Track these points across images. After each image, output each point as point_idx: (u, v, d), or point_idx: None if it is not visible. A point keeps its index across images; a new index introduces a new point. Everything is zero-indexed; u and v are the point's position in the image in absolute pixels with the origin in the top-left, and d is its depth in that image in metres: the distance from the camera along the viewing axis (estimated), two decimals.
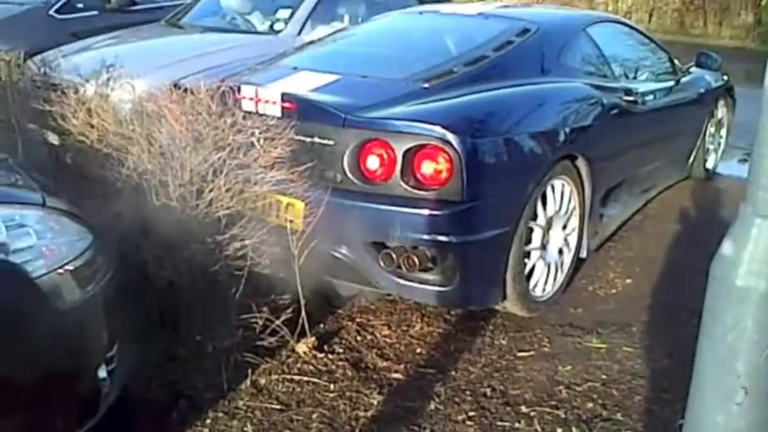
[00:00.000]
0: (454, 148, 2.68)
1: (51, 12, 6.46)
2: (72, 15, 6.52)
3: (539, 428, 2.36)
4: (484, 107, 3.03)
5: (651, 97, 4.13)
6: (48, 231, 1.91)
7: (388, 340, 2.94)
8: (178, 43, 5.28)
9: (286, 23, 5.47)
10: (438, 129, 2.70)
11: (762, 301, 1.39)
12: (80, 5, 6.62)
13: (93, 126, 2.59)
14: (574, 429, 2.35)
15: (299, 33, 5.34)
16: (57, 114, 2.81)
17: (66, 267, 1.88)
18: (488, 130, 2.90)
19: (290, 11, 5.59)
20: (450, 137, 2.69)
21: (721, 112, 5.26)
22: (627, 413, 2.45)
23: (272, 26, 5.60)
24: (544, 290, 3.21)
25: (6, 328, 1.68)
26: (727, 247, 1.47)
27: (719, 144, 5.36)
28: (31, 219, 1.89)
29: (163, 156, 2.40)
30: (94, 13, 6.64)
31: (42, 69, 3.88)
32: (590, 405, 2.50)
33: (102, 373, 2.04)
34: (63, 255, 1.90)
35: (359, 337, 2.96)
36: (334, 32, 4.48)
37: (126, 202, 2.36)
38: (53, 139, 4.10)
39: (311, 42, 4.41)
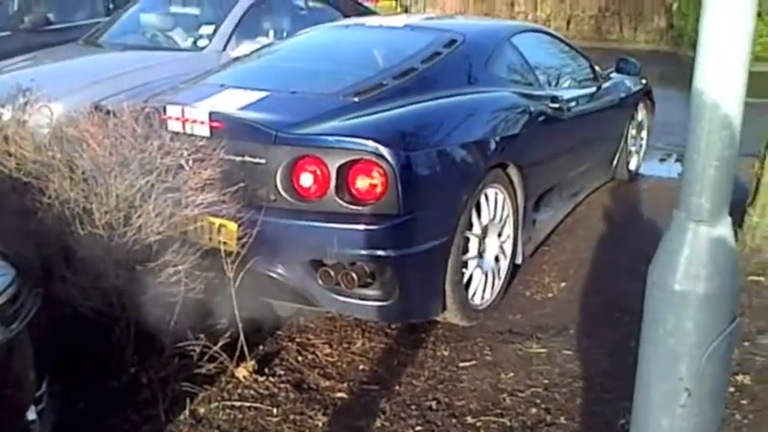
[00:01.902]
0: (388, 162, 2.67)
1: None
2: None
3: None
4: (415, 119, 3.04)
5: (575, 103, 4.23)
6: None
7: (329, 359, 2.90)
8: (97, 63, 5.11)
9: (210, 39, 5.37)
10: (371, 143, 2.69)
11: (700, 304, 1.43)
12: None
13: (10, 154, 2.46)
14: None
15: (224, 49, 5.26)
16: None
17: None
18: (421, 142, 2.90)
19: (213, 27, 5.50)
20: (384, 150, 2.68)
21: (641, 114, 5.43)
22: (570, 416, 2.48)
23: (195, 42, 5.49)
24: (483, 298, 3.24)
25: None
26: (663, 253, 1.50)
27: (641, 146, 5.54)
28: None
29: (86, 182, 2.30)
30: (7, 33, 6.40)
31: None
32: (534, 411, 2.52)
33: (32, 414, 1.94)
34: None
35: (300, 358, 2.91)
36: (261, 48, 4.43)
37: (48, 232, 2.25)
38: None
39: (237, 59, 4.34)
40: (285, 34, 5.71)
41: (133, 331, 2.40)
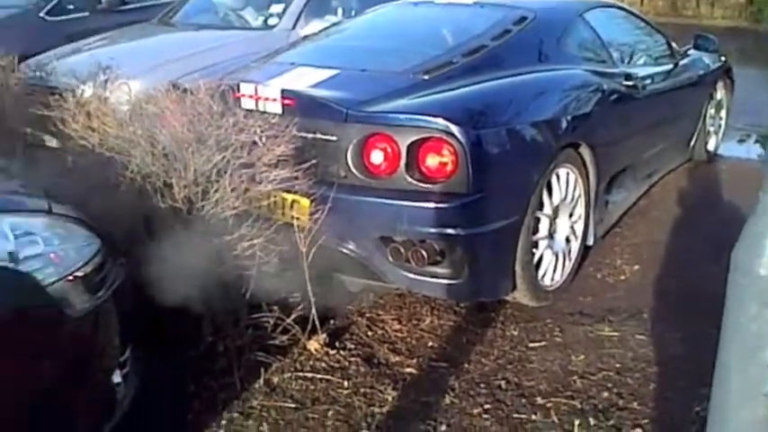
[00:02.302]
0: (458, 140, 2.65)
1: (42, 14, 6.42)
2: (63, 17, 6.48)
3: (555, 420, 2.35)
4: (485, 98, 3.01)
5: (651, 81, 4.10)
6: (55, 238, 1.89)
7: (399, 335, 2.93)
8: (172, 42, 5.24)
9: (280, 18, 5.43)
10: (441, 121, 2.68)
11: None
12: (71, 7, 6.58)
13: (93, 129, 2.55)
14: (591, 420, 2.34)
15: (294, 28, 5.31)
16: (56, 118, 2.77)
17: (76, 274, 1.86)
18: (491, 120, 2.87)
19: (282, 5, 5.56)
20: (454, 128, 2.66)
21: (720, 93, 5.24)
22: (643, 401, 2.44)
23: (265, 21, 5.56)
24: (553, 279, 3.20)
25: (19, 336, 1.66)
26: (747, 237, 1.45)
27: (720, 126, 5.35)
28: (38, 226, 1.87)
29: (166, 157, 2.37)
30: (86, 14, 6.61)
31: (38, 73, 3.84)
32: (605, 394, 2.49)
33: (117, 378, 2.03)
34: (72, 261, 1.88)
35: (370, 333, 2.95)
36: (330, 26, 4.45)
37: (131, 205, 2.34)
38: (52, 143, 4.08)
39: (307, 37, 4.37)
40: (353, 12, 5.73)
41: (210, 302, 2.46)
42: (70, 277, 1.84)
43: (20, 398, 1.65)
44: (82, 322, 1.84)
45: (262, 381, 2.58)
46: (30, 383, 1.68)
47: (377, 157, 2.75)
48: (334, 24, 4.56)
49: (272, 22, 5.48)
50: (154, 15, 6.06)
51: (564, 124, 3.13)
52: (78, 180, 2.38)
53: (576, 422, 2.32)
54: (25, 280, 1.69)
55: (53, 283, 1.77)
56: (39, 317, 1.72)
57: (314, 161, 2.77)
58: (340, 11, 5.84)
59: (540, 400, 2.46)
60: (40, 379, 1.70)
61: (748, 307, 1.39)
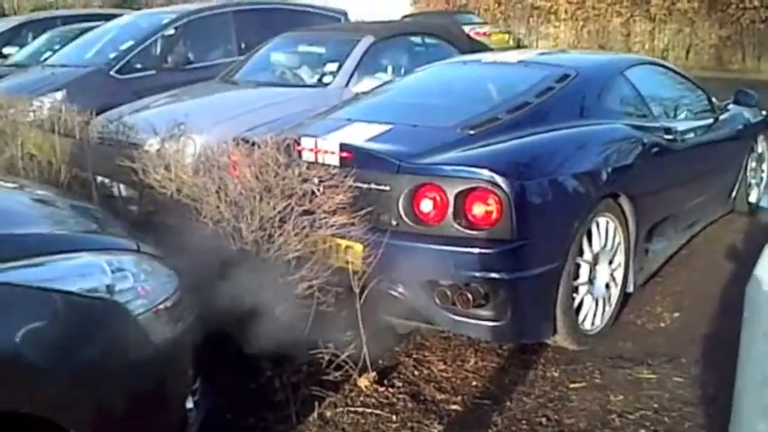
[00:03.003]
0: (503, 190, 2.85)
1: (112, 72, 6.85)
2: (132, 75, 6.88)
3: None
4: (529, 150, 3.21)
5: (690, 135, 4.26)
6: (142, 274, 2.13)
7: (444, 374, 3.09)
8: (234, 98, 5.61)
9: (334, 76, 5.76)
10: (487, 172, 2.89)
11: None
12: (138, 66, 7.01)
13: (171, 180, 2.84)
14: None
15: (347, 85, 5.62)
16: (138, 169, 3.07)
17: (159, 307, 2.10)
18: (534, 171, 3.07)
19: (337, 64, 5.89)
20: (499, 179, 2.87)
21: (762, 146, 5.35)
22: None
23: (320, 79, 5.90)
24: (593, 323, 3.33)
25: (115, 360, 1.89)
26: (764, 258, 1.61)
27: (762, 178, 5.43)
28: (129, 263, 2.11)
29: (236, 204, 2.63)
30: (152, 72, 7.01)
31: (111, 128, 4.17)
32: None
33: (190, 403, 2.24)
34: (156, 295, 2.11)
35: (416, 372, 3.12)
36: (382, 84, 4.74)
37: (205, 247, 2.59)
38: (121, 191, 4.42)
39: (360, 94, 4.67)
40: (403, 71, 6.04)
41: (272, 338, 2.68)
42: (154, 310, 2.08)
43: (115, 412, 1.87)
44: (164, 350, 2.06)
45: (316, 414, 2.77)
46: (122, 401, 1.90)
47: (426, 205, 2.97)
48: (386, 82, 4.84)
49: (326, 80, 5.80)
50: (216, 73, 6.45)
51: (603, 175, 3.31)
52: (158, 223, 2.64)
53: None
54: (120, 310, 1.93)
55: (141, 313, 2.01)
56: (131, 343, 1.95)
57: (368, 209, 3.01)
58: (390, 69, 6.16)
59: None
60: (132, 398, 1.93)
61: (764, 322, 1.53)
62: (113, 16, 8.84)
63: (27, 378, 1.71)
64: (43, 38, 9.61)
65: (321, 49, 6.47)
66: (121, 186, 4.44)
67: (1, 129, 4.64)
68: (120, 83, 6.73)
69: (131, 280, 2.07)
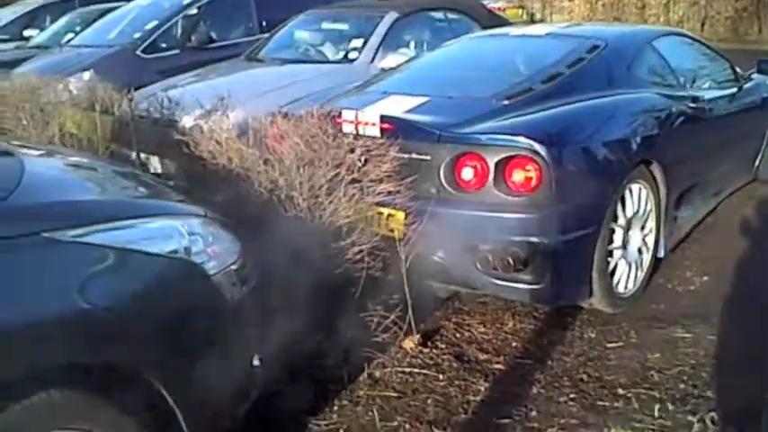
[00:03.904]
0: (542, 157, 2.96)
1: (138, 52, 6.95)
2: (157, 55, 6.99)
3: (636, 406, 2.61)
4: (564, 119, 3.31)
5: (716, 104, 4.33)
6: (210, 237, 2.25)
7: (484, 336, 3.22)
8: (264, 75, 5.70)
9: (359, 52, 5.83)
10: (526, 140, 2.99)
11: None
12: (163, 45, 7.11)
13: (222, 152, 2.95)
14: (669, 406, 2.59)
15: (373, 61, 5.70)
16: (188, 142, 3.19)
17: (228, 269, 2.22)
18: (570, 139, 3.17)
19: (362, 40, 5.97)
20: (538, 147, 2.97)
21: None
22: (717, 391, 2.67)
23: (346, 55, 5.98)
24: (626, 287, 3.45)
25: (195, 318, 2.02)
26: None
27: None
28: (198, 227, 2.23)
29: (289, 173, 2.74)
30: (176, 51, 7.10)
31: (157, 104, 4.27)
32: (682, 386, 2.73)
33: (256, 361, 2.37)
34: (224, 258, 2.23)
35: (458, 335, 3.24)
36: (411, 59, 4.82)
37: (259, 214, 2.71)
38: (159, 166, 4.56)
39: (389, 69, 4.76)
40: (426, 46, 6.11)
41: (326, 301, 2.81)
42: (224, 271, 2.20)
43: (194, 366, 2.00)
44: (235, 309, 2.19)
45: (366, 374, 2.91)
46: (201, 356, 2.03)
47: (467, 173, 3.07)
48: (415, 57, 4.93)
49: (352, 56, 5.88)
50: (239, 52, 6.54)
51: (636, 143, 3.41)
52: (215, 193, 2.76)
53: (656, 407, 2.57)
54: (198, 270, 2.06)
55: (214, 274, 2.13)
56: (208, 301, 2.08)
57: (410, 178, 3.12)
58: (413, 44, 6.23)
59: (620, 391, 2.71)
60: (209, 353, 2.06)
61: None
62: None
63: (119, 333, 1.84)
64: (63, 20, 9.70)
65: (345, 26, 6.53)
66: (156, 161, 4.58)
67: (40, 108, 4.76)
68: (146, 62, 6.83)
69: (202, 243, 2.19)
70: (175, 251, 2.03)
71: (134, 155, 4.50)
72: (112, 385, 1.83)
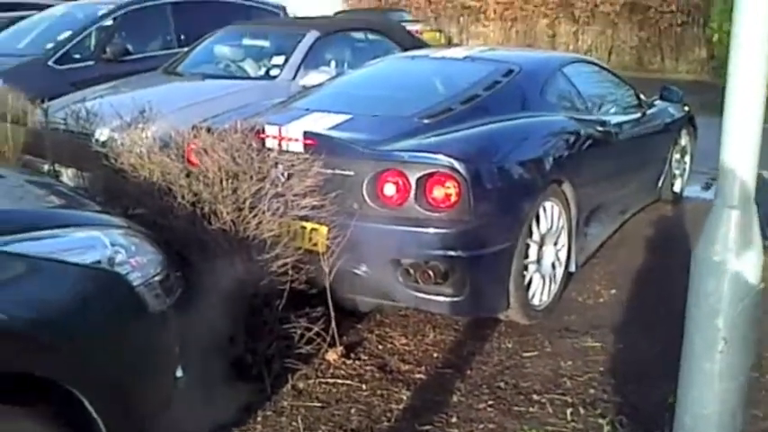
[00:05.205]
0: (461, 174, 3.07)
1: (50, 62, 6.73)
2: (69, 66, 6.77)
3: (550, 411, 2.73)
4: (483, 139, 3.44)
5: (622, 128, 4.59)
6: (133, 247, 2.23)
7: (406, 348, 3.29)
8: (183, 90, 5.65)
9: (281, 69, 5.86)
10: (446, 158, 3.10)
11: (733, 269, 1.81)
12: (77, 56, 6.90)
13: (142, 165, 2.92)
14: (581, 410, 2.73)
15: (294, 78, 5.73)
16: (108, 155, 3.14)
17: (151, 280, 2.20)
18: (488, 158, 3.30)
19: (283, 57, 6.00)
20: (457, 164, 3.08)
21: (685, 140, 5.76)
22: (624, 396, 2.83)
23: (267, 72, 5.99)
24: (541, 299, 3.59)
25: (118, 328, 2.00)
26: (705, 232, 1.89)
27: (684, 169, 5.86)
28: (121, 238, 2.21)
29: (214, 186, 2.75)
30: (91, 63, 6.91)
31: (74, 115, 4.17)
32: (592, 391, 2.88)
33: (179, 372, 2.35)
34: (146, 270, 2.22)
35: (380, 346, 3.30)
36: (334, 77, 4.89)
37: (184, 227, 2.70)
38: (72, 178, 4.45)
39: (309, 87, 4.81)
40: (346, 65, 6.20)
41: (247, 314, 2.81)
42: (147, 282, 2.18)
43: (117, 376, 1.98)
44: (158, 320, 2.18)
45: (290, 385, 2.92)
46: (123, 366, 2.01)
47: (389, 189, 3.15)
48: (337, 75, 5.00)
49: (273, 72, 5.90)
50: (155, 65, 6.43)
51: (549, 163, 3.58)
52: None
53: (569, 411, 2.70)
54: (121, 281, 2.04)
55: (137, 285, 2.12)
56: (132, 312, 2.06)
57: (334, 193, 3.17)
58: (333, 63, 6.30)
59: (536, 397, 2.84)
60: (132, 363, 2.04)
61: (706, 286, 1.81)
62: (40, 6, 8.59)
63: (41, 343, 1.80)
64: None
65: (266, 43, 6.55)
66: (71, 173, 4.46)
67: None
68: (58, 73, 6.62)
69: (125, 254, 2.17)
70: (98, 261, 2.01)
71: (47, 167, 4.39)
72: (31, 396, 1.79)
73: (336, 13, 17.47)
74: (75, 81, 6.25)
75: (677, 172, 5.70)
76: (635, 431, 2.61)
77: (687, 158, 5.89)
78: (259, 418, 2.72)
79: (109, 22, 7.27)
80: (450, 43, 16.02)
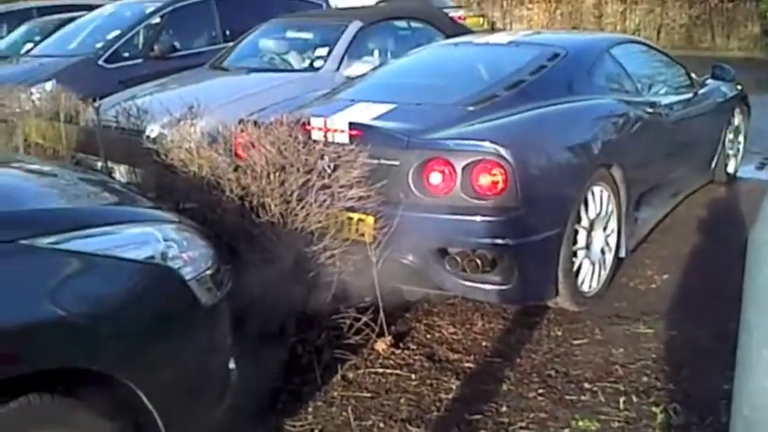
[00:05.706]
0: (508, 161, 3.04)
1: (100, 62, 6.90)
2: (119, 64, 6.93)
3: (602, 399, 2.70)
4: (528, 125, 3.41)
5: (672, 109, 4.49)
6: (184, 242, 2.27)
7: (454, 337, 3.29)
8: (229, 84, 5.72)
9: (325, 61, 5.89)
10: (492, 145, 3.08)
11: None
12: (126, 54, 7.06)
13: (192, 160, 2.98)
14: (634, 398, 2.69)
15: (338, 69, 5.75)
16: (155, 151, 3.21)
17: (203, 274, 2.25)
18: (534, 144, 3.27)
19: (326, 49, 6.02)
20: (503, 151, 3.06)
21: (738, 119, 5.60)
22: (677, 383, 2.78)
23: (311, 64, 6.03)
24: (590, 286, 3.55)
25: (172, 322, 2.05)
26: (762, 214, 1.83)
27: (738, 149, 5.70)
28: (173, 233, 2.26)
29: (262, 179, 2.78)
30: (139, 61, 7.06)
31: (125, 113, 4.27)
32: (645, 379, 2.83)
33: (232, 364, 2.40)
34: (199, 263, 2.26)
35: (428, 335, 3.31)
36: (377, 67, 4.89)
37: (233, 220, 2.74)
38: (125, 175, 4.55)
39: (355, 77, 4.82)
40: (390, 54, 6.19)
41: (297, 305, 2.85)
42: (199, 276, 2.23)
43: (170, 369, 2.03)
44: (209, 314, 2.22)
45: (339, 375, 2.95)
46: (176, 359, 2.06)
47: (435, 178, 3.14)
48: (380, 65, 5.00)
49: (317, 64, 5.93)
50: (202, 61, 6.52)
51: (597, 147, 3.53)
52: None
53: (621, 400, 2.67)
54: (174, 276, 2.08)
55: (190, 279, 2.16)
56: (185, 306, 2.11)
57: (380, 183, 3.17)
58: (376, 53, 6.30)
59: (587, 385, 2.81)
60: (185, 357, 2.09)
61: (764, 270, 1.75)
62: (88, 6, 8.80)
63: (97, 339, 1.86)
64: (21, 29, 9.54)
65: (309, 35, 6.57)
66: (124, 170, 4.56)
67: (4, 119, 4.72)
68: (108, 72, 6.78)
69: (177, 248, 2.22)
70: (152, 257, 2.06)
71: (101, 164, 4.50)
72: (90, 389, 1.85)
73: (378, 2, 17.43)
74: (125, 79, 6.39)
75: (731, 152, 5.54)
76: (689, 419, 2.56)
77: (741, 138, 5.72)
78: (310, 409, 2.76)
79: (156, 20, 7.40)
80: (493, 28, 15.82)
